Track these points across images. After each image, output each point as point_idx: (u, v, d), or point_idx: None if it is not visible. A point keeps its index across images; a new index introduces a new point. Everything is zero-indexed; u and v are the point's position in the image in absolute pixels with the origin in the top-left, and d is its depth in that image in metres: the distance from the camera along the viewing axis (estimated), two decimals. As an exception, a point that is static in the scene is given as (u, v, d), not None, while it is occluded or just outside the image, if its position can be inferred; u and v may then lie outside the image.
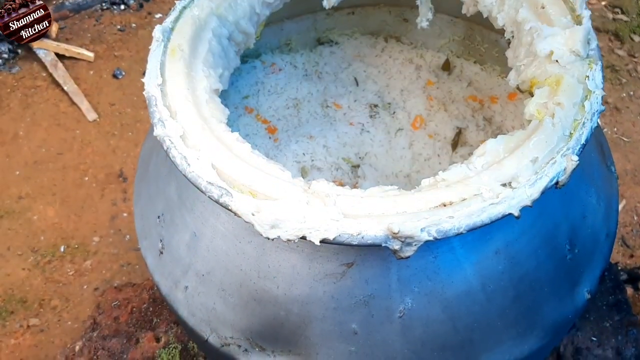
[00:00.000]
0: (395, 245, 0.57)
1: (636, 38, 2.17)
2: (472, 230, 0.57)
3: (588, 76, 0.67)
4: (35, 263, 1.73)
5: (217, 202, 0.61)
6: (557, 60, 0.68)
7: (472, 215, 0.57)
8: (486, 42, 1.06)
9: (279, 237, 0.58)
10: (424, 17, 0.90)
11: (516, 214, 0.58)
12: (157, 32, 0.75)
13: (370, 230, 0.57)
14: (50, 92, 2.14)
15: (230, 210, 0.60)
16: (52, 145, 1.99)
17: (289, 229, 0.57)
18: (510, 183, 0.60)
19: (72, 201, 1.86)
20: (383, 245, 0.57)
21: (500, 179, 0.60)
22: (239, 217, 0.59)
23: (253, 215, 0.58)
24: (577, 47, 0.68)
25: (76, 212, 1.83)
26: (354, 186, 0.98)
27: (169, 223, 0.76)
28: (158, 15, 2.37)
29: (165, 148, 0.65)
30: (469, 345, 0.69)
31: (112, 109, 2.09)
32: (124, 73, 2.17)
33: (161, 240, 0.77)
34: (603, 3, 2.30)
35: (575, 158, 0.60)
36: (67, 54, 2.19)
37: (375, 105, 1.08)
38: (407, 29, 1.12)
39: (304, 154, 1.02)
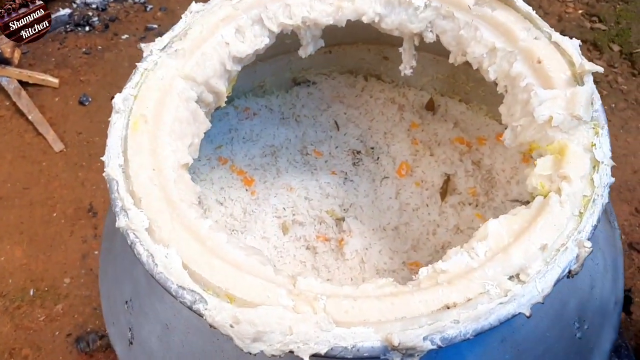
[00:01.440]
0: (396, 358, 0.50)
1: (615, 47, 2.12)
2: (480, 334, 0.51)
3: (595, 144, 0.60)
4: (4, 309, 1.64)
5: (189, 309, 0.54)
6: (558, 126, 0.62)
7: (480, 319, 0.51)
8: (471, 80, 0.99)
9: (262, 352, 0.51)
10: (407, 64, 0.83)
11: (527, 313, 0.52)
12: (118, 101, 0.67)
13: (367, 341, 0.50)
14: (14, 122, 2.04)
15: (205, 320, 0.53)
16: (17, 180, 1.89)
17: (274, 342, 0.51)
18: (518, 275, 0.54)
19: (41, 239, 1.76)
20: (382, 358, 0.50)
21: (507, 271, 0.54)
22: (215, 329, 0.52)
23: (232, 327, 0.51)
24: (579, 112, 0.62)
25: (45, 251, 1.74)
26: (340, 242, 0.91)
27: (138, 311, 0.69)
28: (124, 37, 2.27)
29: (129, 242, 0.57)
30: None
31: (79, 138, 1.99)
32: (90, 99, 2.08)
33: (130, 329, 0.70)
34: (580, 12, 2.25)
35: (589, 244, 0.54)
36: (30, 81, 2.09)
37: (358, 152, 1.01)
38: (387, 67, 1.05)
39: (284, 208, 0.95)
